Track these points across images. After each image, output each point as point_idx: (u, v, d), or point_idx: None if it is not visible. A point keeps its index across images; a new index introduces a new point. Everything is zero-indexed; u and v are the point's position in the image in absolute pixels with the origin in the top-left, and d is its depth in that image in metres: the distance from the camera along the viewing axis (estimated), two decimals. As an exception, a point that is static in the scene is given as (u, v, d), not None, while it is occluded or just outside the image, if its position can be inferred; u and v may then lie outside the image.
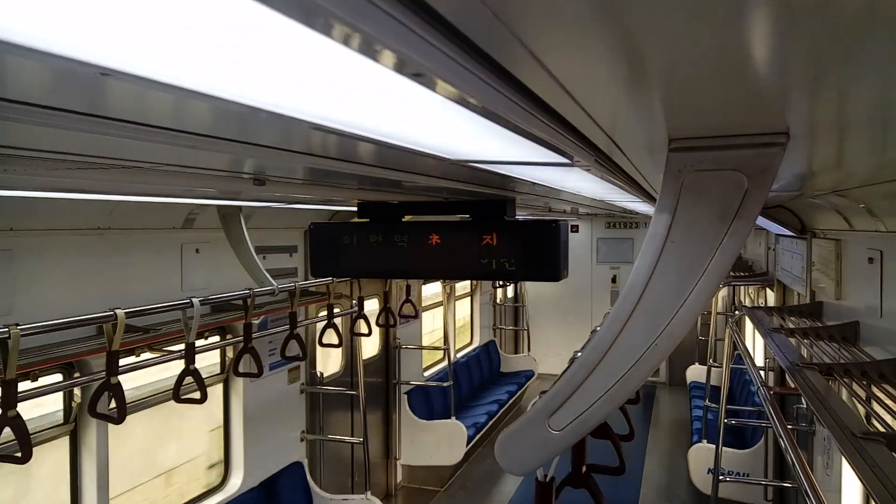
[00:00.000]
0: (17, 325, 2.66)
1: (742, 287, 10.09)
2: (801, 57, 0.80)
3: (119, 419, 3.11)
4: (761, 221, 6.68)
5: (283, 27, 0.44)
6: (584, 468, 2.26)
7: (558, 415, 1.30)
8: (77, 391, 4.08)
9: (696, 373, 10.91)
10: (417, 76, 0.59)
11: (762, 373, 6.72)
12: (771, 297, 8.05)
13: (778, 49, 0.76)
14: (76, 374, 3.91)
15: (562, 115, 0.94)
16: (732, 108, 1.04)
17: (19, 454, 2.66)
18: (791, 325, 4.76)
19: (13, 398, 2.62)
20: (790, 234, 6.01)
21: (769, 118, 1.04)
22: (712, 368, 8.47)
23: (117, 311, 3.11)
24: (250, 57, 0.54)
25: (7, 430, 2.59)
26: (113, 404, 3.18)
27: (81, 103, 0.88)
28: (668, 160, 1.16)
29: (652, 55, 0.77)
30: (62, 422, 4.08)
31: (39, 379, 3.62)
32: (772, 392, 3.80)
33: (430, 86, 0.63)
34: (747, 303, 9.80)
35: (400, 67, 0.56)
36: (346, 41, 0.47)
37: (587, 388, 1.27)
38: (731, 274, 8.82)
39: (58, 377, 3.83)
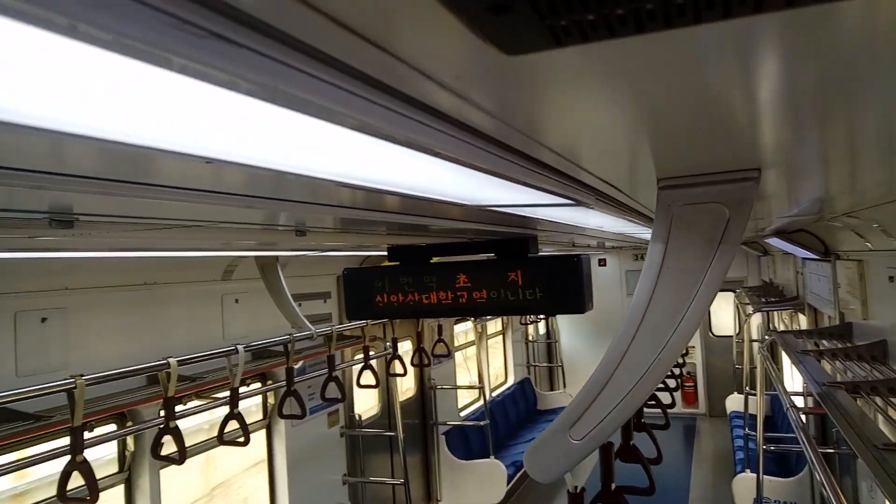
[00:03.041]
0: (82, 375, 2.88)
1: (776, 313, 10.02)
2: (767, 106, 0.96)
3: (180, 461, 3.29)
4: (786, 246, 6.73)
5: (320, 127, 0.62)
6: (613, 486, 2.37)
7: (578, 426, 1.44)
8: (130, 440, 4.28)
9: (735, 402, 10.76)
10: (433, 153, 0.76)
11: (800, 398, 6.67)
12: (804, 322, 8.01)
13: (747, 100, 0.92)
14: (128, 423, 4.11)
15: (565, 172, 1.12)
16: (711, 149, 1.20)
17: (88, 498, 2.85)
18: (822, 348, 4.79)
19: (80, 445, 2.82)
20: (815, 257, 6.06)
21: (742, 156, 1.21)
22: (750, 397, 8.39)
23: (170, 360, 3.32)
24: (309, 146, 0.73)
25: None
26: (170, 448, 3.37)
27: (137, 175, 1.06)
28: (659, 197, 1.33)
29: (642, 116, 0.95)
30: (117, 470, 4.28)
31: (95, 429, 3.83)
32: (802, 414, 3.83)
33: (446, 159, 0.81)
34: (781, 328, 9.73)
35: (420, 148, 0.73)
36: (371, 133, 0.65)
37: (602, 401, 1.42)
38: (762, 300, 8.80)
39: (111, 427, 4.05)
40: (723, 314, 12.90)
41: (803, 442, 3.51)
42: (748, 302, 9.26)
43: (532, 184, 1.07)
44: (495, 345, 11.81)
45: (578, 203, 1.48)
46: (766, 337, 7.22)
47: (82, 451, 2.81)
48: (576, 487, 2.04)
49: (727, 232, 1.28)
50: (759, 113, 1.02)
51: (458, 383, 9.49)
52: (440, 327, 7.18)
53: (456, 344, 9.59)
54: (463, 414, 9.53)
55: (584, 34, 0.36)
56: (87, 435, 3.63)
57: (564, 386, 13.74)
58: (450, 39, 0.44)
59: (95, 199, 1.22)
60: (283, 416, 4.75)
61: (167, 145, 0.70)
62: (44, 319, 3.64)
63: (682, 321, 1.32)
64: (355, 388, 6.24)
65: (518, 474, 9.12)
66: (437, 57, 0.51)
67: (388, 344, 6.19)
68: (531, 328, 13.35)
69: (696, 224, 1.30)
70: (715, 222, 1.30)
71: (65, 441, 3.11)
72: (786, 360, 8.96)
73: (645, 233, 5.25)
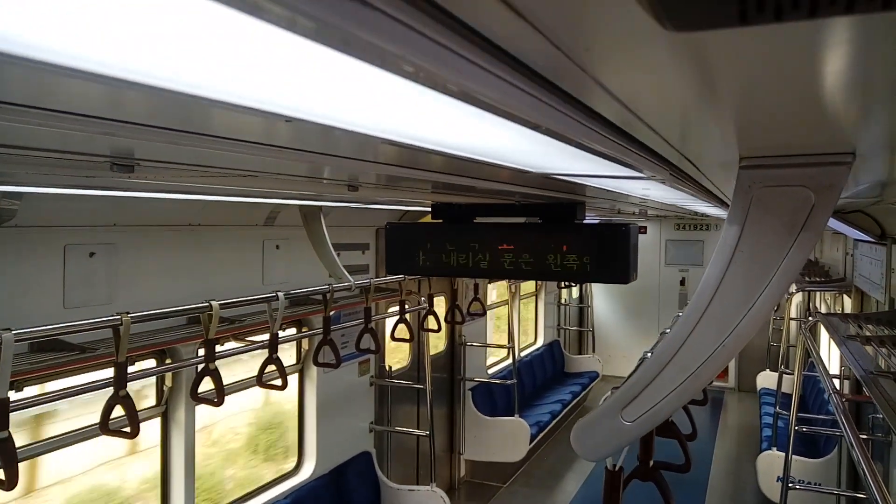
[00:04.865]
0: (128, 313, 2.93)
1: (818, 293, 9.79)
2: (870, 82, 0.88)
3: (219, 402, 3.36)
4: (839, 226, 6.51)
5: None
6: (651, 463, 2.35)
7: (631, 407, 1.41)
8: (168, 375, 4.39)
9: (766, 379, 10.65)
10: (487, 105, 0.69)
11: (836, 381, 6.55)
12: (848, 304, 7.81)
13: (848, 75, 0.83)
14: (167, 360, 4.21)
15: (634, 136, 1.04)
16: (801, 128, 1.12)
17: (128, 429, 2.93)
18: (868, 334, 4.66)
19: (124, 379, 2.89)
20: (869, 239, 5.86)
21: (837, 138, 1.12)
22: (784, 375, 8.28)
23: (212, 303, 3.36)
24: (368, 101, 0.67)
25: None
26: (206, 387, 3.44)
27: (204, 127, 1.03)
28: (739, 176, 1.25)
29: (725, 81, 0.87)
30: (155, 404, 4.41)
31: (136, 364, 3.93)
32: (845, 400, 3.75)
33: (500, 114, 0.73)
34: (823, 309, 9.52)
35: (469, 99, 0.66)
36: (416, 78, 0.58)
37: (658, 384, 1.38)
38: (807, 279, 8.60)
39: (151, 363, 4.15)
40: (761, 290, 12.67)
41: (844, 426, 3.44)
42: (791, 280, 9.04)
43: (595, 149, 1.00)
44: (527, 305, 11.81)
45: (646, 176, 1.41)
46: (810, 318, 7.07)
47: (125, 386, 2.88)
48: (614, 466, 2.02)
49: (810, 218, 1.21)
50: (864, 96, 0.93)
51: (488, 341, 9.54)
52: (476, 286, 7.17)
53: (488, 302, 9.60)
54: (490, 371, 9.60)
55: (778, 12, 0.30)
56: (129, 369, 3.75)
57: (593, 350, 13.74)
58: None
59: (158, 147, 1.19)
60: (318, 364, 4.82)
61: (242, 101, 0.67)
62: (92, 254, 3.70)
63: (753, 308, 1.26)
64: (387, 339, 6.30)
65: (540, 434, 9.22)
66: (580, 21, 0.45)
67: (423, 299, 6.21)
68: (564, 291, 13.31)
69: (777, 208, 1.23)
70: (798, 207, 1.22)
71: (106, 373, 3.19)
72: (823, 342, 8.81)
73: (700, 206, 5.11)
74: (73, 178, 1.56)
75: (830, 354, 8.30)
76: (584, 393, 11.61)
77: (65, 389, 3.18)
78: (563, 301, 13.35)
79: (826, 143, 1.14)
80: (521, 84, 0.68)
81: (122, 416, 2.96)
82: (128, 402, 2.87)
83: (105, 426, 2.91)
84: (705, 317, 1.31)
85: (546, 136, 0.95)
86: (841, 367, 7.06)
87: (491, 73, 0.62)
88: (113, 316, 2.90)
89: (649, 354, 2.98)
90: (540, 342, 12.19)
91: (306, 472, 5.71)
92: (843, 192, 3.52)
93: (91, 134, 0.97)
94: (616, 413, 1.41)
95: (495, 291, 10.28)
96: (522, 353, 11.11)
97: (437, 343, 8.31)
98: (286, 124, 0.94)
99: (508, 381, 9.11)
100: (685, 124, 1.11)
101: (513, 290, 10.09)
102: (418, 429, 7.36)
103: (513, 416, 8.77)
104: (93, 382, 3.19)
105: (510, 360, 9.47)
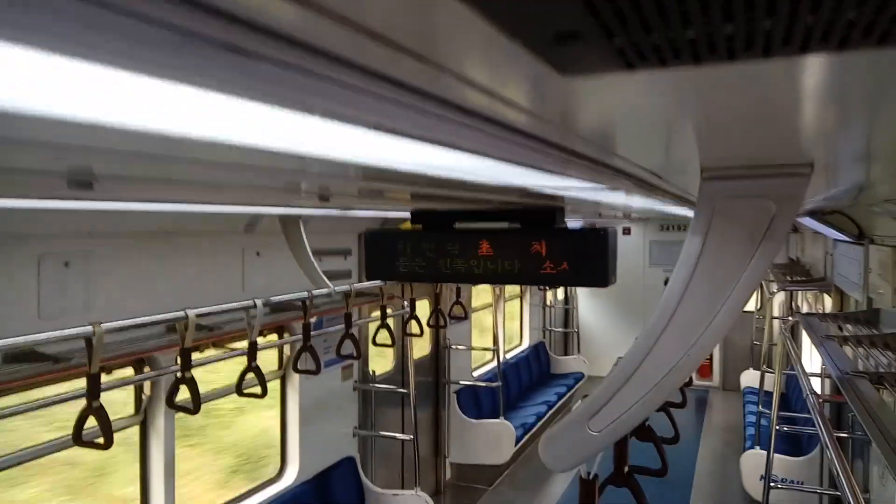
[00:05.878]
0: (101, 323, 2.90)
1: (800, 292, 9.88)
2: (825, 100, 0.89)
3: (195, 410, 3.34)
4: (819, 227, 6.58)
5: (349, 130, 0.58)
6: (626, 468, 2.35)
7: (598, 417, 1.41)
8: (147, 385, 4.34)
9: (750, 378, 10.73)
10: (470, 151, 0.71)
11: (819, 381, 6.60)
12: (829, 304, 7.89)
13: (804, 93, 0.85)
14: (146, 369, 4.17)
15: (602, 161, 1.05)
16: (761, 142, 1.13)
17: (102, 440, 2.90)
18: (846, 334, 4.69)
19: (97, 390, 2.86)
20: (848, 239, 5.92)
21: (795, 151, 1.13)
22: (766, 374, 8.34)
23: (188, 312, 3.33)
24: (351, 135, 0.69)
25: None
26: (182, 396, 3.42)
27: (160, 149, 1.03)
28: (701, 188, 1.26)
29: (688, 103, 0.88)
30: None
31: (113, 373, 3.88)
32: (821, 400, 3.78)
33: (482, 156, 0.75)
34: (805, 308, 9.61)
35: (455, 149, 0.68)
36: (404, 136, 0.60)
37: (625, 394, 1.38)
38: (788, 279, 8.68)
39: (129, 371, 4.10)
40: (744, 290, 12.77)
41: (819, 426, 3.47)
42: (773, 279, 9.13)
43: (575, 176, 1.01)
44: (511, 307, 11.83)
45: (616, 189, 1.42)
46: (790, 318, 7.13)
47: (98, 397, 2.85)
48: (588, 473, 2.02)
49: (771, 229, 1.22)
50: (817, 111, 0.95)
51: (473, 342, 9.53)
52: (458, 289, 7.17)
53: (473, 305, 9.59)
54: (476, 374, 9.60)
55: (662, 60, 0.30)
56: (104, 378, 3.70)
57: (579, 351, 13.77)
58: (502, 56, 0.39)
59: (117, 164, 1.18)
60: (297, 371, 4.80)
61: (193, 135, 0.66)
62: (67, 263, 3.65)
63: (716, 319, 1.27)
64: (370, 345, 6.28)
65: (526, 436, 9.22)
66: (487, 70, 0.45)
67: (405, 303, 6.20)
68: (549, 293, 13.34)
69: (739, 219, 1.24)
70: (759, 218, 1.23)
71: (83, 383, 3.15)
72: (805, 341, 8.88)
73: (679, 210, 5.14)
74: (34, 192, 1.54)
75: (812, 354, 8.37)
76: (569, 394, 11.64)
77: (36, 400, 3.14)
78: (548, 303, 13.38)
79: (785, 155, 1.15)
80: (494, 131, 0.70)
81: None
82: (101, 413, 2.84)
83: (78, 437, 2.88)
84: (669, 327, 1.32)
85: (522, 166, 0.96)
86: (822, 366, 7.12)
87: (476, 129, 0.63)
88: (85, 326, 2.87)
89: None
90: (525, 344, 12.20)
91: (289, 478, 5.68)
92: (821, 195, 3.56)
93: (43, 158, 0.97)
94: (583, 423, 1.42)
95: (481, 294, 10.28)
96: (508, 355, 11.11)
97: (422, 346, 8.29)
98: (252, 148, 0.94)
99: (494, 384, 9.11)
100: (649, 146, 1.12)
101: (497, 293, 10.10)
102: (403, 433, 7.33)
103: (498, 418, 8.77)
104: (67, 392, 3.15)
105: (495, 363, 9.47)
